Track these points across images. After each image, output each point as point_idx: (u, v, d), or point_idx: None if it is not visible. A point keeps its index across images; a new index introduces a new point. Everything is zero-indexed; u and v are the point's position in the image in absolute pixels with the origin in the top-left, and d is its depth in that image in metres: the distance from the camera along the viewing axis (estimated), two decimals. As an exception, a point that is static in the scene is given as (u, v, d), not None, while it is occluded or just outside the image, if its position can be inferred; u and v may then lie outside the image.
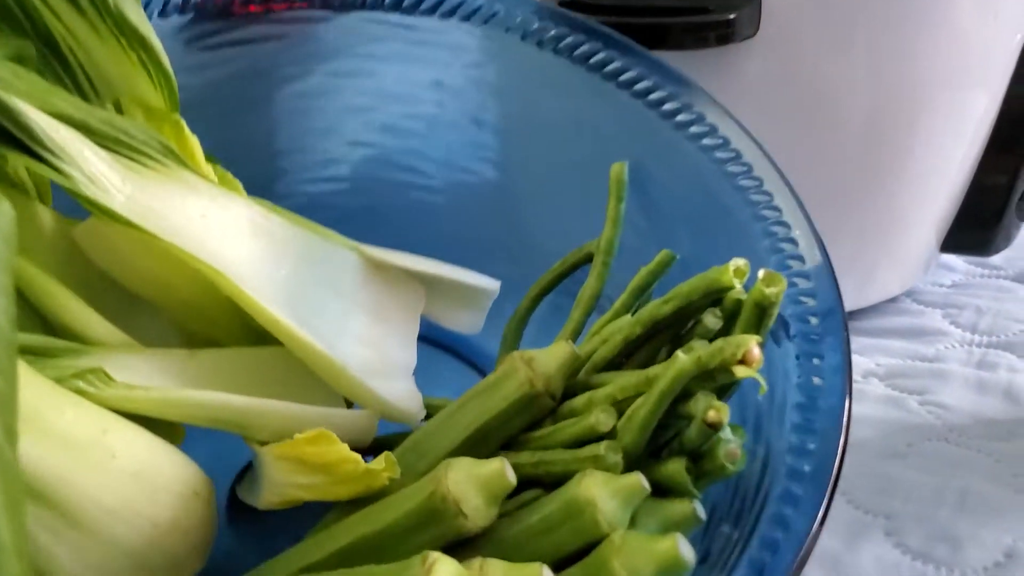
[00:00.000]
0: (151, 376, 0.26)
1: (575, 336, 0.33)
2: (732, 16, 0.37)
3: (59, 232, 0.28)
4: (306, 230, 0.31)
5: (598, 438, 0.24)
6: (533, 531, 0.22)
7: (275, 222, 0.30)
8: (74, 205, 0.27)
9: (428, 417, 0.32)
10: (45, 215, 0.28)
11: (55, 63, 0.29)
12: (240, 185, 0.33)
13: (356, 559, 0.23)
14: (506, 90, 0.37)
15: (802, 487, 0.22)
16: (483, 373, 0.39)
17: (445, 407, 0.33)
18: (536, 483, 0.26)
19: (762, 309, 0.23)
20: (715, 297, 0.25)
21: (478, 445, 0.26)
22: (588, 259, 0.34)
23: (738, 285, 0.24)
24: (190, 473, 0.25)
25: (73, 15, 0.27)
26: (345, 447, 0.24)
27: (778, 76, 0.39)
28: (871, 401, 0.43)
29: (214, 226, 0.27)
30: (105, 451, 0.22)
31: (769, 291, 0.23)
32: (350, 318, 0.33)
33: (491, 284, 0.36)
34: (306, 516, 0.27)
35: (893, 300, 0.51)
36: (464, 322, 0.35)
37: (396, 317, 0.35)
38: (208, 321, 0.29)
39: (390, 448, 0.31)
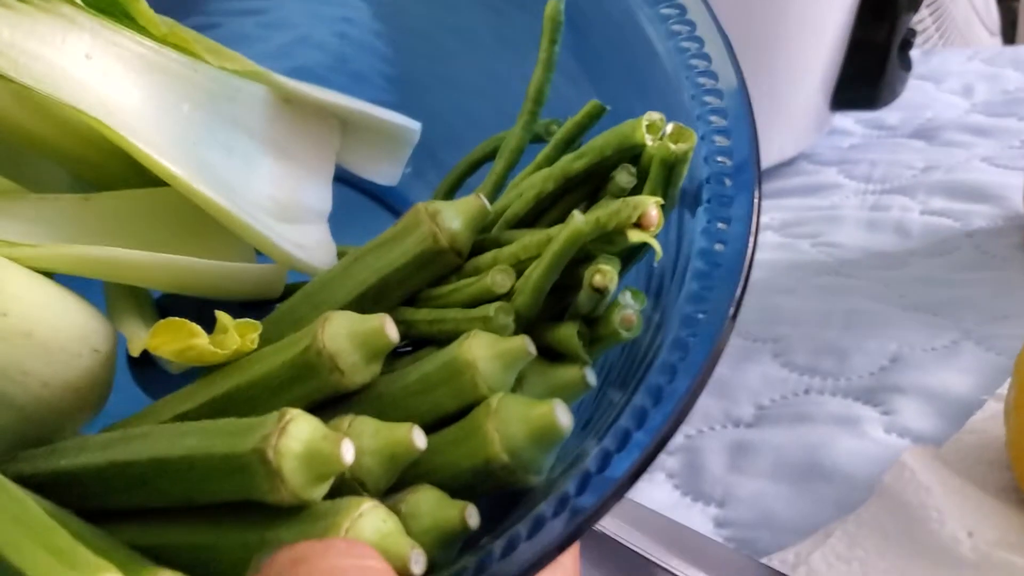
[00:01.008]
0: (41, 226, 0.24)
1: (497, 189, 0.31)
2: None
3: None
4: (208, 64, 0.27)
5: (495, 299, 0.22)
6: (411, 390, 0.21)
7: (172, 57, 0.26)
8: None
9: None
10: None
11: None
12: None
13: (228, 410, 0.21)
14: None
15: (696, 329, 0.20)
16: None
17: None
18: (432, 342, 0.23)
19: (669, 167, 0.21)
20: (629, 154, 0.22)
21: (376, 300, 0.24)
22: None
23: (650, 141, 0.21)
24: (90, 329, 0.23)
25: None
26: (203, 340, 0.22)
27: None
28: (765, 249, 0.42)
29: (100, 68, 0.24)
30: None
31: (676, 148, 0.20)
32: (258, 159, 0.30)
33: (412, 125, 0.32)
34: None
35: (790, 163, 0.50)
36: (382, 171, 0.32)
37: (309, 156, 0.30)
38: (101, 168, 0.26)
39: None
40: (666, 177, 0.21)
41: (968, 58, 0.59)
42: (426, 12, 0.32)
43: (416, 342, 0.25)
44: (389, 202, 0.36)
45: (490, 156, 0.31)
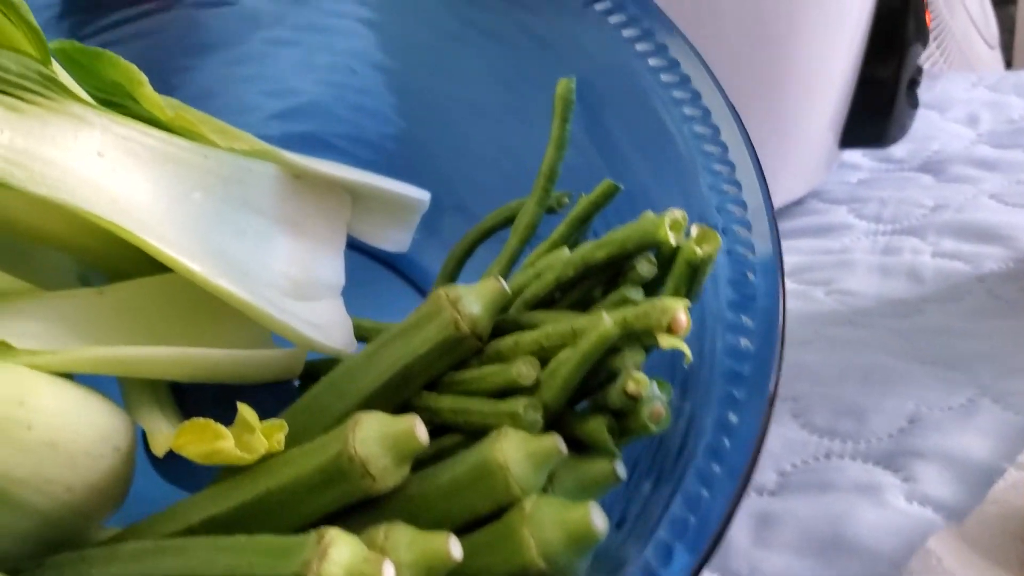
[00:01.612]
0: (59, 326, 0.24)
1: (511, 264, 0.29)
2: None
3: None
4: (217, 147, 0.28)
5: (520, 389, 0.23)
6: (442, 492, 0.21)
7: (181, 145, 0.27)
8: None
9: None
10: None
11: None
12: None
13: (258, 515, 0.22)
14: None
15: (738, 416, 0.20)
16: (422, 291, 0.39)
17: (374, 333, 0.33)
18: (456, 430, 0.24)
19: (694, 268, 0.21)
20: (650, 248, 0.23)
21: (399, 388, 0.25)
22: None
23: (673, 241, 0.22)
24: (111, 429, 0.23)
25: None
26: (229, 442, 0.22)
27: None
28: (780, 299, 0.44)
29: (112, 166, 0.24)
30: (21, 424, 0.21)
31: (702, 251, 0.21)
32: (271, 239, 0.31)
33: (421, 195, 0.32)
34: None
35: (799, 202, 0.51)
36: (391, 239, 0.33)
37: (322, 230, 0.31)
38: (110, 257, 0.27)
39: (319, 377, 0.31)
40: (690, 277, 0.21)
41: (972, 84, 0.60)
42: (437, 83, 0.32)
43: (439, 427, 0.25)
44: (399, 267, 0.36)
45: (500, 226, 0.32)
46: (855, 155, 0.53)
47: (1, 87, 0.23)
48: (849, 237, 0.46)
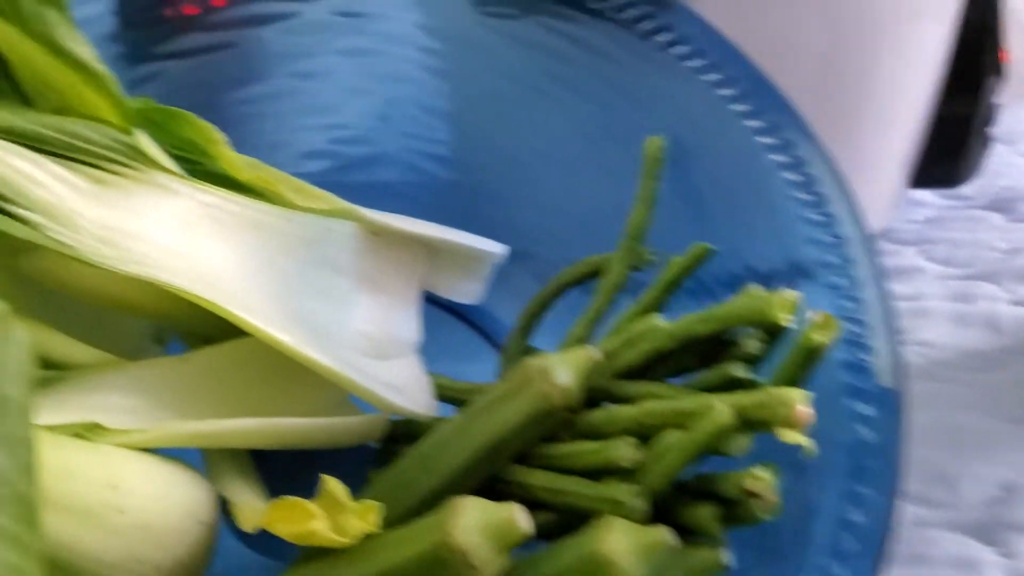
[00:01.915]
0: (145, 398, 0.24)
1: (593, 325, 0.31)
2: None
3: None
4: (298, 210, 0.28)
5: (618, 471, 0.23)
6: None
7: (264, 210, 0.27)
8: None
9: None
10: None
11: None
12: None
13: None
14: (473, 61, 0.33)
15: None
16: (491, 340, 0.38)
17: (452, 392, 0.32)
18: (549, 507, 0.27)
19: (811, 355, 0.21)
20: (758, 326, 0.22)
21: (488, 462, 0.24)
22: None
23: (786, 323, 0.21)
24: (197, 502, 0.23)
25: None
26: (322, 524, 0.22)
27: (727, 26, 0.37)
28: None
29: (196, 236, 0.24)
30: (114, 509, 0.21)
31: (821, 338, 0.20)
32: (351, 298, 0.29)
33: (495, 248, 0.32)
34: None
35: None
36: (463, 291, 0.33)
37: (398, 286, 0.31)
38: (189, 322, 0.26)
39: (400, 439, 0.28)
40: (804, 364, 0.21)
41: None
42: (514, 135, 0.32)
43: (530, 503, 0.25)
44: (467, 316, 0.36)
45: (577, 281, 0.32)
46: (921, 191, 0.52)
47: (87, 159, 0.23)
48: (921, 281, 0.45)
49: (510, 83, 0.31)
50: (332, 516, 0.23)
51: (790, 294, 0.21)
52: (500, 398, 0.25)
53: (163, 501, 0.22)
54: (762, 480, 0.19)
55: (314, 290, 0.28)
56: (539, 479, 0.24)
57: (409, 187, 0.35)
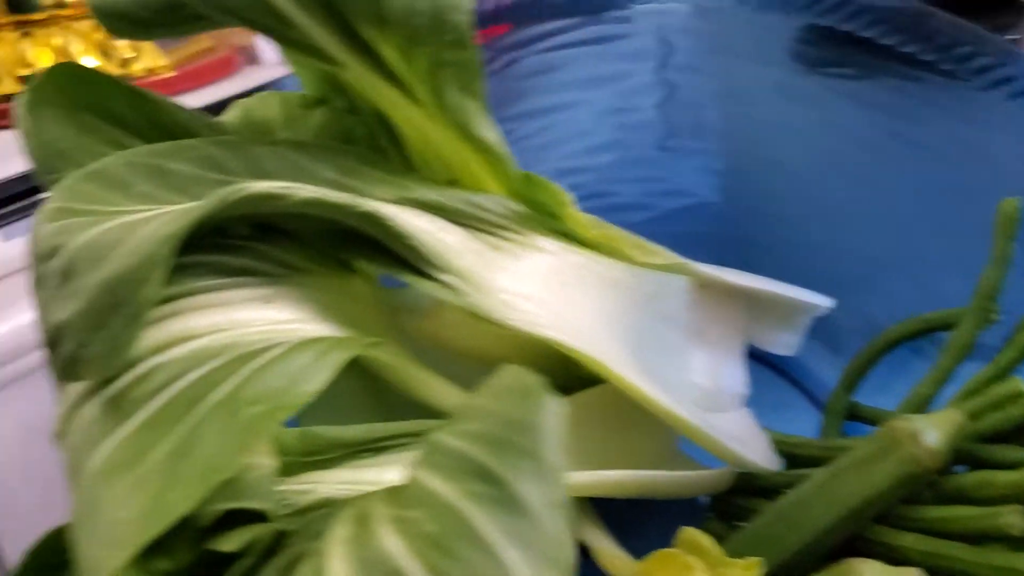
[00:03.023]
0: None
1: (939, 385, 0.31)
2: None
3: (388, 308, 0.28)
4: (638, 264, 0.30)
5: (1001, 537, 0.23)
6: None
7: (618, 268, 0.29)
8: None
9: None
10: (379, 293, 0.28)
11: (383, 138, 0.27)
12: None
13: None
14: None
15: None
16: (804, 391, 0.39)
17: (787, 447, 0.33)
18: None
19: None
20: None
21: (853, 521, 0.25)
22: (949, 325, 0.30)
23: None
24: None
25: (411, 107, 0.25)
26: (700, 573, 0.23)
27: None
28: None
29: (573, 295, 0.26)
30: None
31: None
32: (684, 351, 0.32)
33: (820, 300, 0.33)
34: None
35: None
36: (781, 342, 0.33)
37: (724, 339, 0.34)
38: (543, 370, 0.30)
39: (739, 492, 0.30)
40: None
41: None
42: (842, 187, 0.33)
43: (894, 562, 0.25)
44: (779, 365, 0.37)
45: (907, 337, 0.32)
46: None
47: (482, 226, 0.25)
48: None
49: (842, 139, 0.31)
50: (711, 568, 0.24)
51: None
52: (866, 459, 0.26)
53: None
54: None
55: (655, 343, 0.29)
56: (909, 541, 0.25)
57: (720, 241, 0.36)
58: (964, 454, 0.26)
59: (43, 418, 0.51)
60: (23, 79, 0.55)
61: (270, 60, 0.64)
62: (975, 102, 0.29)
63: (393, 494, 0.16)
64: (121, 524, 0.16)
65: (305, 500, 0.22)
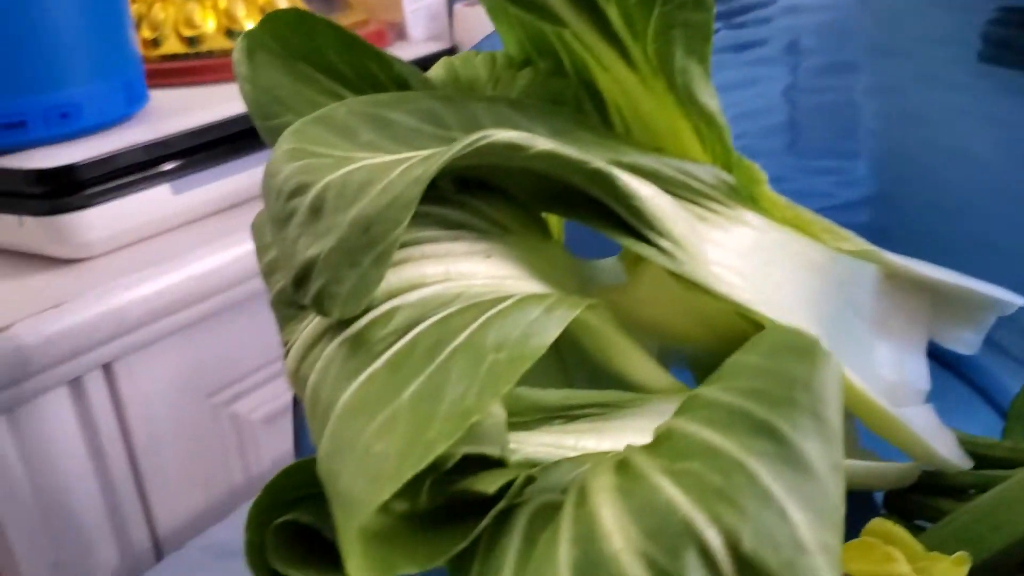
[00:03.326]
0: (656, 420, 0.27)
1: None
2: None
3: (580, 274, 0.27)
4: (835, 249, 0.29)
5: None
6: None
7: (817, 250, 0.28)
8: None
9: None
10: (573, 260, 0.27)
11: (588, 104, 0.27)
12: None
13: None
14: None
15: None
16: (981, 391, 0.37)
17: (972, 447, 0.32)
18: None
19: None
20: None
21: None
22: None
23: None
24: None
25: (626, 71, 0.25)
26: (902, 565, 0.22)
27: None
28: None
29: (775, 272, 0.26)
30: None
31: None
32: (869, 341, 0.31)
33: (1008, 297, 0.31)
34: None
35: None
36: (963, 339, 0.32)
37: (908, 332, 0.32)
38: (711, 352, 0.28)
39: (921, 489, 0.31)
40: None
41: None
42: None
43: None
44: (956, 367, 0.35)
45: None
46: None
47: (692, 196, 0.25)
48: None
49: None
50: (912, 561, 0.23)
51: None
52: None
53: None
54: None
55: (845, 331, 0.29)
56: None
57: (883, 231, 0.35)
58: None
59: (190, 374, 0.53)
60: (188, 40, 0.56)
61: (417, 37, 0.65)
62: None
63: (656, 447, 0.16)
64: (380, 458, 0.16)
65: (512, 460, 0.22)
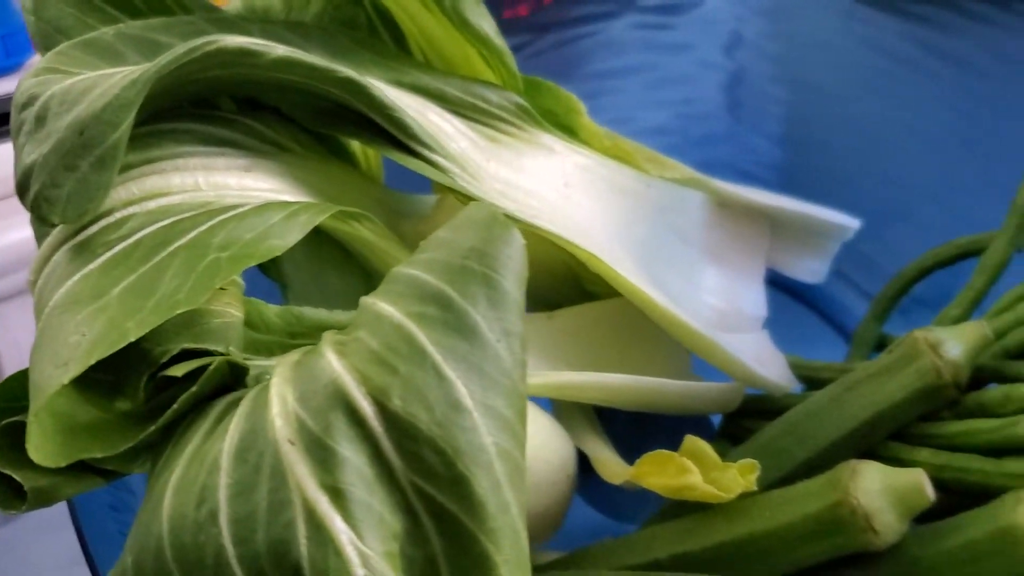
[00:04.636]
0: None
1: (974, 306, 0.28)
2: None
3: (389, 207, 0.28)
4: (655, 176, 0.29)
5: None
6: (952, 558, 0.21)
7: (627, 175, 0.28)
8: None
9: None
10: (383, 193, 0.28)
11: (385, 33, 0.27)
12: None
13: (737, 557, 0.22)
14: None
15: None
16: (833, 324, 0.38)
17: (805, 371, 0.32)
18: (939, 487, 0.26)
19: None
20: None
21: (865, 435, 0.24)
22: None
23: None
24: (567, 455, 0.24)
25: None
26: (698, 479, 0.23)
27: None
28: None
29: (576, 195, 0.26)
30: None
31: None
32: (697, 268, 0.31)
33: (847, 222, 0.32)
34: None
35: None
36: (807, 268, 0.33)
37: (743, 260, 0.31)
38: (548, 284, 0.28)
39: (750, 414, 0.29)
40: None
41: None
42: (871, 108, 0.32)
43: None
44: (807, 297, 0.36)
45: (942, 263, 0.31)
46: None
47: (483, 118, 0.25)
48: None
49: (874, 54, 0.31)
50: (706, 472, 0.24)
51: None
52: (882, 371, 0.25)
53: (547, 452, 0.24)
54: None
55: (664, 257, 0.29)
56: (924, 456, 0.24)
57: (748, 165, 0.36)
58: (989, 371, 0.25)
59: None
60: None
61: None
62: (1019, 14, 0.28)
63: (345, 328, 0.16)
64: (73, 347, 0.16)
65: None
